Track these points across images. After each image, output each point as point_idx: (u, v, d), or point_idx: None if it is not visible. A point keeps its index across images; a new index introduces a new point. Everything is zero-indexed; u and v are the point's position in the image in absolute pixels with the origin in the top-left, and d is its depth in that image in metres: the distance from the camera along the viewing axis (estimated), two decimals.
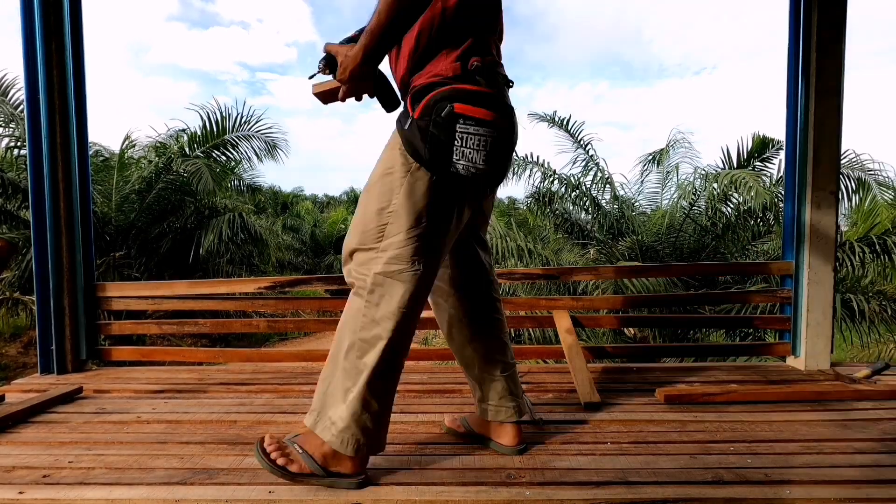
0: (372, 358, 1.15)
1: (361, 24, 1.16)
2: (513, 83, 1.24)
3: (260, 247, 9.20)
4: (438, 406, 1.80)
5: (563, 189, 6.22)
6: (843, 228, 5.65)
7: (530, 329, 4.91)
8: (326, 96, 1.19)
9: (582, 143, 6.15)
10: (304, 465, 1.18)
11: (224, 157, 8.46)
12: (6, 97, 6.97)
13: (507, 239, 5.84)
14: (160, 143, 8.47)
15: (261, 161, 8.55)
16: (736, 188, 5.27)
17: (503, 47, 1.30)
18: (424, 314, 1.29)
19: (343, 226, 20.84)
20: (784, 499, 1.16)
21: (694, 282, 5.01)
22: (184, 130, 8.32)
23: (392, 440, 1.49)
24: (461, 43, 1.14)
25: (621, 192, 6.34)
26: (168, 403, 1.86)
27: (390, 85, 1.21)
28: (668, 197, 6.46)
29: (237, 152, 8.42)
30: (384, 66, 1.18)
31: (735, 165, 5.78)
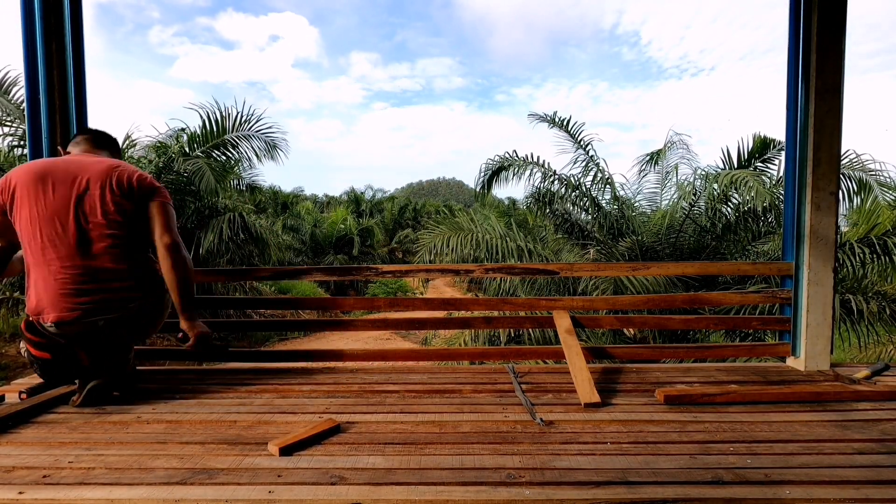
0: None
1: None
2: None
3: (260, 246, 9.21)
4: (438, 406, 1.80)
5: (563, 189, 6.21)
6: (844, 229, 5.64)
7: (530, 329, 4.91)
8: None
9: (582, 143, 6.14)
10: None
11: (224, 157, 8.47)
12: (8, 95, 6.98)
13: (507, 239, 5.85)
14: (160, 142, 8.48)
15: (261, 161, 8.57)
16: (736, 189, 5.27)
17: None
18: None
19: (343, 226, 20.84)
20: (783, 499, 1.17)
21: (694, 282, 5.01)
22: (183, 130, 8.33)
23: (392, 440, 1.50)
24: None
25: (621, 193, 6.33)
26: (168, 403, 1.86)
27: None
28: (668, 197, 6.46)
29: (237, 152, 8.42)
30: None
31: (735, 166, 5.76)
